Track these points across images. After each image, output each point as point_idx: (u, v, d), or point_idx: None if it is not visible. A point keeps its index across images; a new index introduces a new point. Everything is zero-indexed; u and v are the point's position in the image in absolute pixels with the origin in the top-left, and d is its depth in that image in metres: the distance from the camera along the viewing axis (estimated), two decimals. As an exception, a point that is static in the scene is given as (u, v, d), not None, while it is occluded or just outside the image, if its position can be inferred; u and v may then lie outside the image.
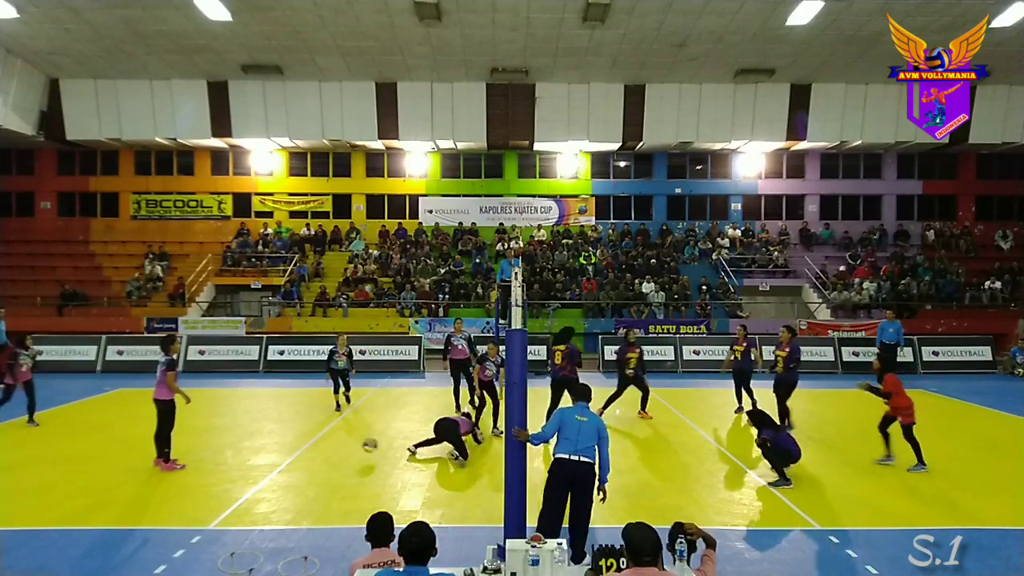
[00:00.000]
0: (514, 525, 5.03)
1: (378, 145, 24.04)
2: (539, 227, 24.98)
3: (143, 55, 20.18)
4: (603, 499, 5.89)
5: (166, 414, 9.04)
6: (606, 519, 7.21)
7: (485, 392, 11.25)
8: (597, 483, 5.87)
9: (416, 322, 20.48)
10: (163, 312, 21.02)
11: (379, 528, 4.39)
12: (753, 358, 12.39)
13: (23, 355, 11.84)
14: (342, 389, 13.16)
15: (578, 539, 5.87)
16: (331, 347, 13.34)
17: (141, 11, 17.50)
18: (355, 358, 13.79)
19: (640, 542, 3.52)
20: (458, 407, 12.54)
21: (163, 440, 9.06)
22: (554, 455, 5.90)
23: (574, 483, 5.82)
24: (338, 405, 13.11)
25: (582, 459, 5.79)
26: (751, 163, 25.40)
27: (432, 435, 9.76)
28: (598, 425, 5.99)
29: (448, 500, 7.96)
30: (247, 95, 22.24)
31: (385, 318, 20.83)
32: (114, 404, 14.08)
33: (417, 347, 18.69)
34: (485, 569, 4.19)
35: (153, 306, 21.47)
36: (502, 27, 18.29)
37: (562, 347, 11.24)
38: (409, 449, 9.78)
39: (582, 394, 6.42)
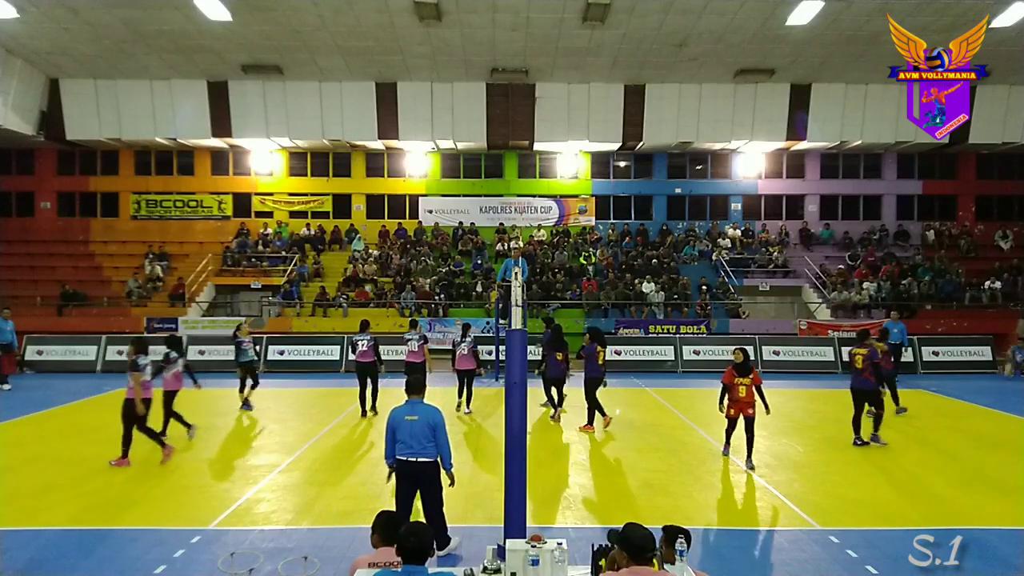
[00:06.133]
0: (514, 525, 5.02)
1: (378, 145, 24.03)
2: (539, 227, 24.97)
3: (143, 55, 20.18)
4: (451, 484, 6.23)
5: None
6: (607, 519, 7.21)
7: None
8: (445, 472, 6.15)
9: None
10: (163, 312, 21.01)
11: (386, 526, 4.38)
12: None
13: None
14: (248, 386, 12.84)
15: (436, 528, 6.08)
16: (238, 340, 13.06)
17: (141, 11, 17.50)
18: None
19: (642, 540, 3.56)
20: (459, 407, 12.88)
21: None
22: (395, 457, 6.06)
23: (417, 482, 6.09)
24: (247, 402, 12.75)
25: (419, 459, 5.98)
26: (751, 163, 25.39)
27: None
28: (429, 420, 6.00)
29: (448, 500, 7.90)
30: (247, 95, 22.25)
31: (385, 318, 20.81)
32: (114, 404, 13.93)
33: (417, 347, 18.68)
34: (485, 569, 4.18)
35: (153, 306, 21.46)
36: (502, 27, 18.29)
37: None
38: None
39: (413, 388, 6.26)
